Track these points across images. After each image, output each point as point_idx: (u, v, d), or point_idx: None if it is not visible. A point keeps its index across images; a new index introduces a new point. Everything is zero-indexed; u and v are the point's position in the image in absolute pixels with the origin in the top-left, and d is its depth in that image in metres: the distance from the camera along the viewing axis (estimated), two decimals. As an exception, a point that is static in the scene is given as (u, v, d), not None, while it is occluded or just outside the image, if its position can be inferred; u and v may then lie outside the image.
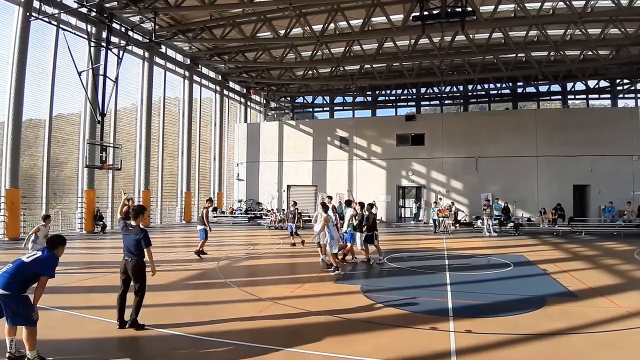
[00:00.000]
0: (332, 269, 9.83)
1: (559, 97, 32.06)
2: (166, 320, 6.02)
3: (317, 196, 26.77)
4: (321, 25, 19.95)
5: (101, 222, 19.33)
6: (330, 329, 5.92)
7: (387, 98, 34.77)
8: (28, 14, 15.57)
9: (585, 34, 20.05)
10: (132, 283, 5.83)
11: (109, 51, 17.26)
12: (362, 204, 11.97)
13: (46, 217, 10.33)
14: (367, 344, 5.29)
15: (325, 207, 10.71)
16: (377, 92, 32.67)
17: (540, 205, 22.48)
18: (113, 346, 5.25)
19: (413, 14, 16.06)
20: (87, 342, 5.37)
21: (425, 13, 15.09)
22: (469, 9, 14.76)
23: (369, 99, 34.87)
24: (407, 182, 27.31)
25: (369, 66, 26.57)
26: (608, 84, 29.77)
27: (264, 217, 26.36)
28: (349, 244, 11.46)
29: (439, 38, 22.94)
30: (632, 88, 29.38)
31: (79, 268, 10.31)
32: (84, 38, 16.79)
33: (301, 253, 13.35)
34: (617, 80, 29.05)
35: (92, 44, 17.53)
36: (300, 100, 37.46)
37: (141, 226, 5.99)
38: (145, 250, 5.75)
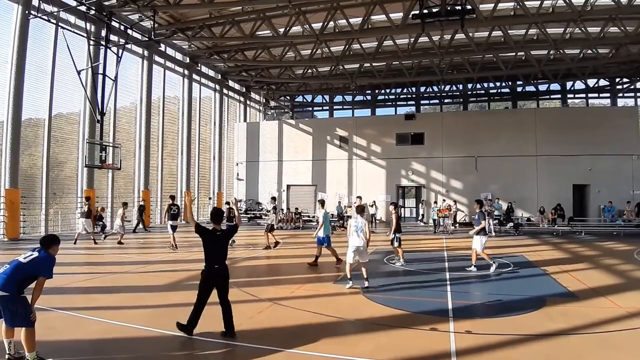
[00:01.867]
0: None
1: (559, 96, 32.06)
2: (166, 321, 6.00)
3: (316, 196, 26.75)
4: (321, 24, 19.91)
5: (101, 222, 19.24)
6: (330, 329, 5.92)
7: (386, 97, 34.72)
8: (27, 12, 15.49)
9: (585, 33, 20.04)
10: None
11: (108, 50, 17.19)
12: (394, 204, 11.71)
13: (124, 204, 13.27)
14: (368, 345, 5.30)
15: (361, 210, 9.50)
16: (377, 91, 32.62)
17: (540, 205, 22.49)
18: (113, 347, 5.24)
19: (413, 12, 16.00)
20: (87, 343, 5.36)
21: (425, 11, 15.00)
22: (469, 7, 14.73)
23: (369, 97, 34.84)
24: (407, 182, 27.28)
25: (368, 65, 26.57)
26: (607, 83, 29.77)
27: (263, 217, 26.35)
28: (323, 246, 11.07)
29: (439, 36, 22.92)
30: (632, 87, 29.40)
31: (78, 268, 10.30)
32: (83, 36, 16.71)
33: (301, 254, 13.31)
34: (617, 79, 29.07)
35: (91, 42, 17.43)
36: (299, 99, 37.44)
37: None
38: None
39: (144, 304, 6.95)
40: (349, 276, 8.33)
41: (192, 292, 7.96)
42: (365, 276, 8.32)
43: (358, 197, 15.19)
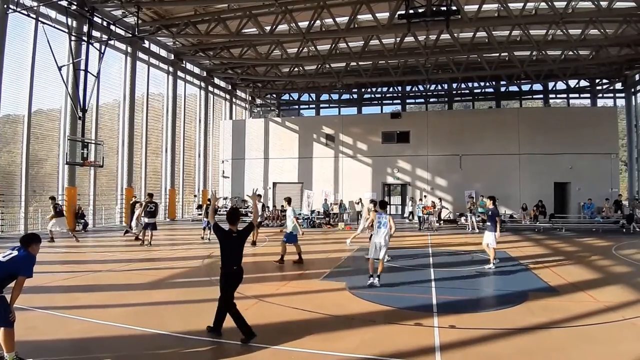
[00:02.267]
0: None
1: (541, 96, 32.60)
2: (150, 320, 5.96)
3: (303, 193, 26.76)
4: (307, 22, 19.88)
5: (82, 220, 19.00)
6: (316, 326, 5.93)
7: (372, 96, 34.93)
8: (6, 6, 15.15)
9: (567, 35, 20.48)
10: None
11: (90, 45, 16.91)
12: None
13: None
14: (353, 340, 5.32)
15: (383, 205, 9.15)
16: (363, 89, 32.76)
17: (522, 202, 22.84)
18: (95, 346, 5.16)
19: (399, 12, 16.11)
20: (69, 342, 5.27)
21: (411, 11, 15.17)
22: (454, 8, 14.95)
23: (355, 96, 34.97)
24: (393, 180, 27.44)
25: (354, 64, 26.66)
26: (588, 84, 30.30)
27: (249, 214, 26.25)
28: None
29: (424, 37, 23.08)
30: (611, 88, 29.96)
31: (59, 267, 10.12)
32: (64, 32, 16.45)
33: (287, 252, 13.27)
34: (597, 80, 29.58)
35: (73, 38, 17.12)
36: (286, 97, 37.36)
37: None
38: None
39: (128, 302, 6.87)
40: (370, 272, 8.37)
41: (176, 290, 8.02)
42: (377, 274, 8.34)
43: (372, 201, 15.02)
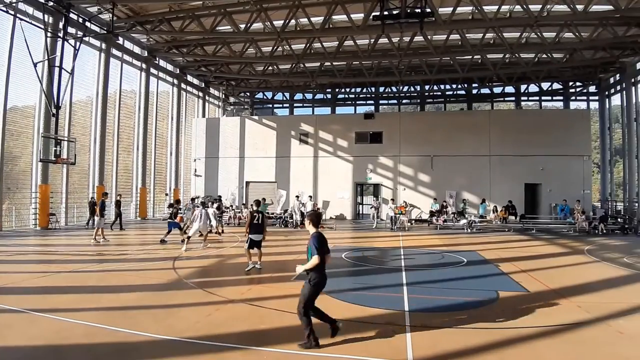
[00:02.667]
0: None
1: (513, 98, 33.21)
2: (121, 322, 5.91)
3: (276, 193, 26.84)
4: (282, 21, 19.96)
5: (54, 216, 18.64)
6: (288, 326, 5.92)
7: (346, 96, 35.21)
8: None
9: (541, 38, 20.90)
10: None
11: (65, 42, 16.59)
12: (257, 202, 10.84)
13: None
14: (324, 341, 5.33)
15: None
16: (337, 89, 33.01)
17: (493, 203, 23.30)
18: (69, 348, 5.11)
19: (373, 14, 16.27)
20: (42, 342, 5.21)
21: (385, 13, 15.39)
22: (428, 10, 15.05)
23: (329, 96, 35.17)
24: (365, 179, 27.79)
25: (329, 64, 26.87)
26: (561, 87, 30.86)
27: (223, 214, 26.05)
28: None
29: (398, 38, 23.51)
30: (584, 91, 30.62)
31: (32, 266, 9.95)
32: (41, 28, 16.11)
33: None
34: (570, 83, 30.14)
35: (49, 34, 16.79)
36: (259, 95, 37.24)
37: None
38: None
39: (99, 306, 6.76)
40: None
41: (148, 292, 7.86)
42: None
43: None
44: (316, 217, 5.77)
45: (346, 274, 10.26)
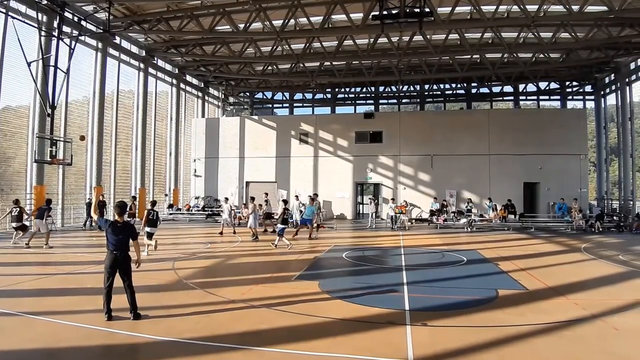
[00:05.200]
0: None
1: (511, 97, 33.31)
2: (120, 324, 5.86)
3: (277, 192, 26.73)
4: (281, 21, 19.86)
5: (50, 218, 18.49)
6: (288, 326, 5.92)
7: (346, 95, 35.13)
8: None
9: (538, 38, 20.99)
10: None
11: (60, 41, 16.47)
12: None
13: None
14: (325, 340, 5.34)
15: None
16: (337, 89, 32.94)
17: (492, 202, 23.20)
18: (64, 350, 5.05)
19: (373, 13, 16.25)
20: (38, 344, 5.15)
21: (385, 12, 15.36)
22: (427, 9, 15.05)
23: (329, 96, 35.09)
24: (365, 179, 27.75)
25: (328, 63, 26.78)
26: (558, 86, 31.04)
27: (221, 214, 25.95)
28: None
29: (398, 38, 23.46)
30: (581, 90, 30.74)
31: (27, 268, 9.86)
32: (35, 27, 15.97)
33: (261, 252, 13.27)
34: (567, 83, 30.33)
35: (43, 33, 16.64)
36: (259, 95, 37.15)
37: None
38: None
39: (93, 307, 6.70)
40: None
41: (148, 292, 7.72)
42: None
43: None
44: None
45: (347, 273, 10.25)
